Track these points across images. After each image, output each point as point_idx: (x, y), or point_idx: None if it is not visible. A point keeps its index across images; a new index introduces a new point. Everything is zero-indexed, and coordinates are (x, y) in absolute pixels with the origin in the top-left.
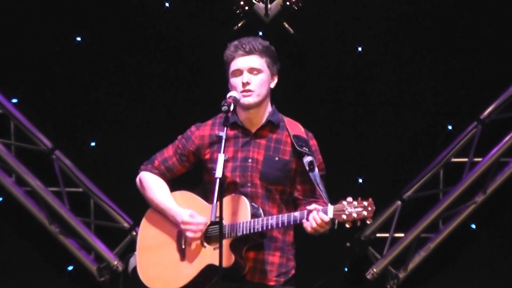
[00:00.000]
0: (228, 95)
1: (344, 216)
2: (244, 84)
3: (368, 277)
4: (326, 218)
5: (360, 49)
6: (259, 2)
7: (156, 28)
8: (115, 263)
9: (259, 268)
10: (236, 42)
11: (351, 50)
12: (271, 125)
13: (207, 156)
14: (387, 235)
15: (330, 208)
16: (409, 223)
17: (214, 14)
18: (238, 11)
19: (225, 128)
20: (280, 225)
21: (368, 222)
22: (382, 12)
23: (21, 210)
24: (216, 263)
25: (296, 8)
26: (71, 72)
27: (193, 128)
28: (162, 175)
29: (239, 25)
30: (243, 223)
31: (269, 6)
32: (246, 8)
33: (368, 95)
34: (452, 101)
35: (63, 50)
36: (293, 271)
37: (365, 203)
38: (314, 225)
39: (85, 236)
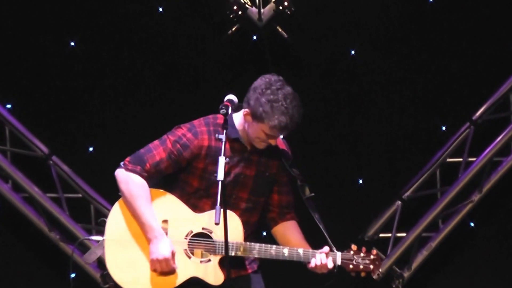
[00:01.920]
0: (225, 98)
1: (351, 266)
2: (267, 144)
3: (374, 277)
4: (332, 265)
5: (353, 52)
6: (252, 7)
7: (150, 32)
8: None
9: (233, 265)
10: (282, 118)
11: (345, 53)
12: None
13: (201, 165)
14: (389, 235)
15: (338, 255)
16: (409, 222)
17: (207, 19)
18: (231, 16)
19: (225, 131)
20: (280, 258)
21: (374, 277)
22: (374, 15)
23: (19, 217)
24: (201, 276)
25: (289, 12)
26: (66, 77)
27: (189, 135)
28: (149, 178)
29: (233, 29)
30: (237, 245)
31: (262, 10)
32: (240, 12)
33: (362, 98)
34: (445, 102)
35: (57, 55)
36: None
37: (372, 257)
38: (319, 264)
39: (87, 243)
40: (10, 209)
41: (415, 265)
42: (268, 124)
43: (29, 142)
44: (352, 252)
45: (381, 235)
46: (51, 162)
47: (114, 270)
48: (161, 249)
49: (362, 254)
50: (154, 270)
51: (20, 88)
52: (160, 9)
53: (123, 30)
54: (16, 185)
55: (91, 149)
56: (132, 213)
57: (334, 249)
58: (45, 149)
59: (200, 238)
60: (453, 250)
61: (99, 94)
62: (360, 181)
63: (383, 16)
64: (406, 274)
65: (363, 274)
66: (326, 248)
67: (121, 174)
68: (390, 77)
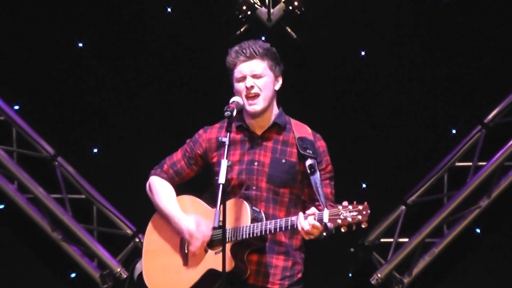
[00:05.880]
0: (231, 100)
1: (339, 221)
2: (248, 88)
3: (372, 282)
4: (318, 224)
5: (363, 53)
6: (261, 7)
7: (158, 33)
8: (118, 270)
9: (262, 271)
10: (236, 48)
11: (354, 54)
12: (278, 127)
13: (214, 159)
14: (391, 240)
15: (326, 212)
16: (413, 228)
17: (216, 19)
18: (240, 16)
19: (228, 134)
20: (278, 229)
21: (363, 226)
22: (385, 16)
23: (23, 217)
24: (217, 267)
25: (298, 12)
26: (73, 78)
27: (200, 131)
28: (170, 179)
29: (242, 30)
30: (243, 227)
31: (271, 10)
32: (249, 13)
33: (371, 99)
34: (456, 105)
35: (65, 56)
36: (299, 275)
37: (360, 207)
38: (306, 228)
39: (87, 243)
40: (14, 208)
41: (416, 271)
42: (228, 64)
43: (36, 143)
44: (340, 207)
45: (382, 240)
46: (56, 163)
47: (146, 277)
48: (184, 226)
49: (350, 207)
50: (192, 249)
51: (27, 89)
52: (169, 10)
53: (131, 31)
54: (21, 185)
55: (95, 150)
56: (159, 212)
57: (325, 209)
58: (51, 150)
59: (216, 231)
60: (457, 257)
61: (105, 96)
62: (364, 185)
63: (393, 16)
64: (406, 280)
65: (354, 227)
66: (311, 210)
67: (147, 184)
68: (400, 79)
